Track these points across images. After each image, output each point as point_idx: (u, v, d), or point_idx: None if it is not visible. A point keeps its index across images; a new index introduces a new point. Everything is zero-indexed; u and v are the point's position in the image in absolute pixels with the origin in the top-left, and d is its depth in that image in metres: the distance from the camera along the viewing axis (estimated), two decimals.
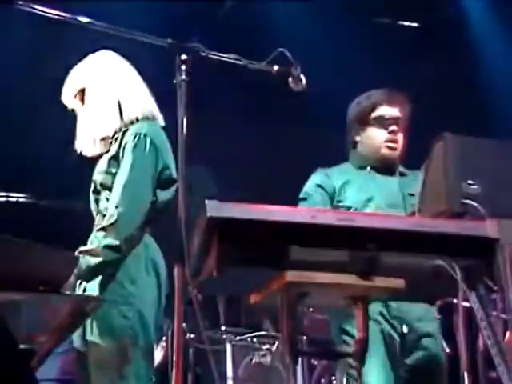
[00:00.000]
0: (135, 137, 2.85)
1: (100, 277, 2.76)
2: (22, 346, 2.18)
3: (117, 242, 2.72)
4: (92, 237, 2.79)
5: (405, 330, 3.10)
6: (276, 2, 5.96)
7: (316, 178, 3.31)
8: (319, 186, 3.28)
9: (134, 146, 2.83)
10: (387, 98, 3.31)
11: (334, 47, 5.89)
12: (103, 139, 2.95)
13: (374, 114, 3.29)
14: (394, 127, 3.28)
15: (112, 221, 2.74)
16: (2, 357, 1.95)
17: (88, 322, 2.75)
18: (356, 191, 3.23)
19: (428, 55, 6.18)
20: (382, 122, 3.28)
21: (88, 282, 2.73)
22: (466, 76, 6.02)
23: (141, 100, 2.97)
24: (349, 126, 3.38)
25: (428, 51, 6.19)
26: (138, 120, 2.91)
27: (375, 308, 3.09)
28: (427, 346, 3.14)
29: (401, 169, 3.35)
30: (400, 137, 3.30)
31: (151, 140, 2.85)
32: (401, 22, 6.44)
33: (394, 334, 3.11)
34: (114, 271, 2.76)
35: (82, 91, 3.00)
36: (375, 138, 3.29)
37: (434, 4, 6.22)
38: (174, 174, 2.84)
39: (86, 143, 2.98)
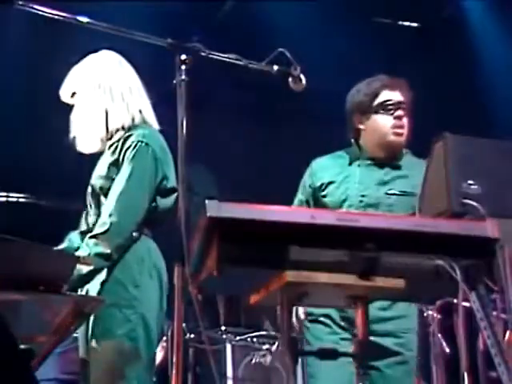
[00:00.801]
0: (136, 145, 2.85)
1: (102, 279, 2.77)
2: (22, 346, 2.18)
3: (108, 251, 2.73)
4: (84, 243, 2.79)
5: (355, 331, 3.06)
6: (276, 2, 5.96)
7: (305, 175, 3.36)
8: (304, 185, 3.34)
9: (134, 155, 2.83)
10: (388, 83, 3.25)
11: (333, 47, 5.90)
12: (97, 139, 2.95)
13: (376, 101, 3.22)
14: (399, 112, 3.21)
15: (104, 229, 2.74)
16: (2, 357, 1.95)
17: (90, 325, 2.76)
18: (335, 190, 3.23)
19: (428, 55, 6.18)
20: (386, 108, 3.21)
21: (76, 290, 2.73)
22: (465, 76, 6.02)
23: (130, 109, 2.95)
24: (350, 115, 3.30)
25: (428, 51, 6.19)
26: (123, 129, 2.91)
27: (322, 310, 3.12)
28: (387, 347, 3.08)
29: (405, 159, 3.28)
30: (405, 121, 3.24)
31: (152, 149, 2.85)
32: (401, 22, 6.45)
33: (346, 335, 3.09)
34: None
35: (75, 93, 3.01)
36: (381, 126, 3.22)
37: (434, 4, 6.23)
38: (173, 184, 2.85)
39: (80, 142, 2.99)
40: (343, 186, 3.23)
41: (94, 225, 2.86)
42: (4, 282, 2.16)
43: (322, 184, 3.26)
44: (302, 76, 2.58)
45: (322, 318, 3.15)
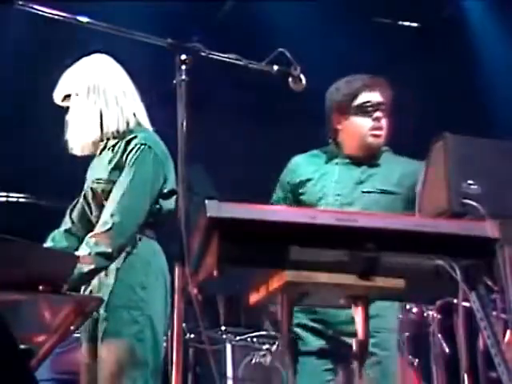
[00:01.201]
0: (139, 148, 2.86)
1: (111, 283, 2.78)
2: (22, 346, 2.18)
3: (109, 250, 2.73)
4: (84, 242, 2.78)
5: (330, 332, 3.04)
6: (276, 2, 5.96)
7: (284, 172, 3.35)
8: (283, 182, 3.33)
9: (137, 158, 2.85)
10: (368, 83, 3.20)
11: (333, 47, 5.89)
12: (90, 142, 2.96)
13: (355, 103, 3.19)
14: (378, 114, 3.18)
15: (106, 228, 2.75)
16: (2, 357, 1.95)
17: (99, 326, 2.77)
18: (313, 187, 3.22)
19: (428, 55, 6.17)
20: (365, 110, 3.17)
21: (77, 289, 2.73)
22: (465, 76, 6.02)
23: (125, 112, 2.96)
24: (329, 114, 3.29)
25: (428, 51, 6.19)
26: (118, 132, 2.91)
27: (294, 320, 3.06)
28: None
29: (383, 157, 3.25)
30: (384, 122, 3.20)
31: (155, 152, 2.87)
32: (401, 22, 6.44)
33: (318, 343, 3.09)
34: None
35: (69, 96, 3.01)
36: (359, 128, 3.19)
37: (434, 4, 6.22)
38: (173, 186, 2.86)
39: (73, 144, 2.99)
40: (320, 184, 3.22)
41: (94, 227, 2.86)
42: (4, 282, 2.16)
43: (300, 181, 3.25)
44: (302, 76, 2.58)
45: (295, 329, 3.09)
